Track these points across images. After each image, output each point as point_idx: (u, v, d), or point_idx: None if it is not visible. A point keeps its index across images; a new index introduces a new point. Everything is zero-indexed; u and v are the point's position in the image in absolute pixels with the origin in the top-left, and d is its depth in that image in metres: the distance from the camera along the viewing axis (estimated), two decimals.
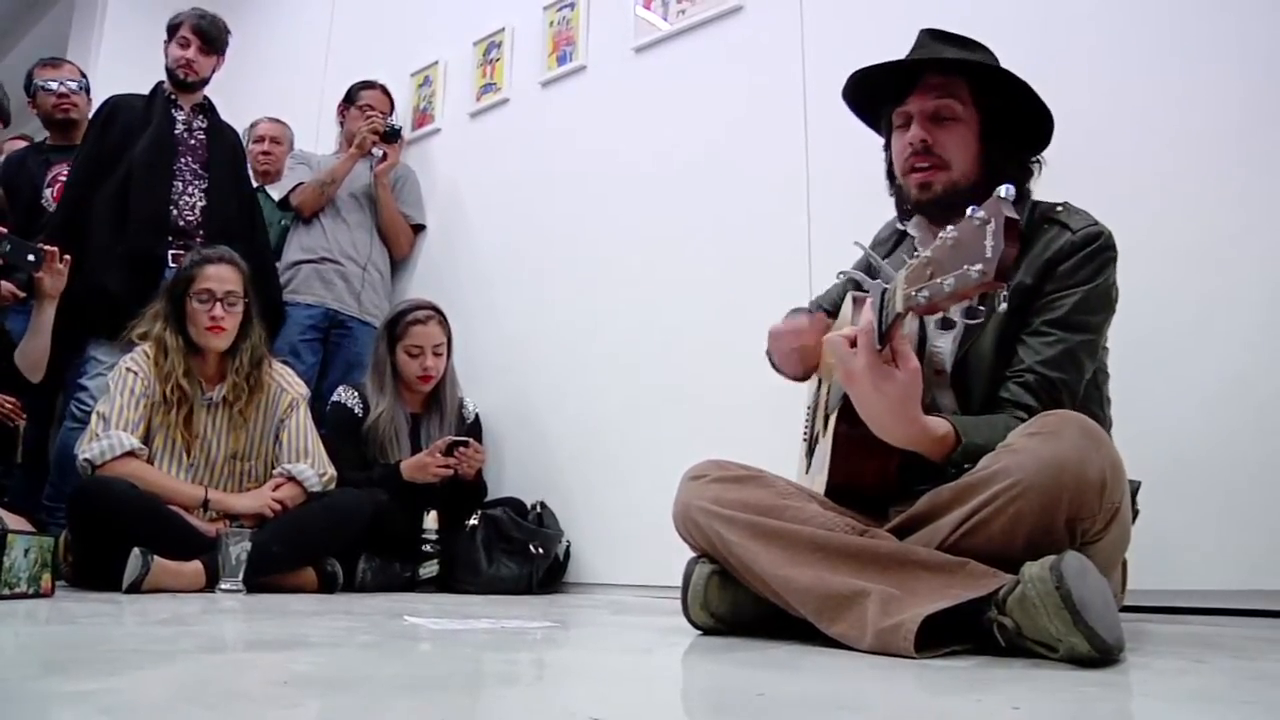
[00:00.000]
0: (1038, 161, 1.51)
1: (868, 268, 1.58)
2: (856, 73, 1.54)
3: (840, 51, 2.45)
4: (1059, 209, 1.44)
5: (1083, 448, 1.13)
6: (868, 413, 1.26)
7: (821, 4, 2.60)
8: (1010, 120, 1.46)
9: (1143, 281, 1.82)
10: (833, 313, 1.74)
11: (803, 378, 1.69)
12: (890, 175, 1.58)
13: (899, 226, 1.61)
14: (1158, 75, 1.99)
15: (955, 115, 1.46)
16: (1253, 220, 1.84)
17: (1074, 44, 2.11)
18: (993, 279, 0.93)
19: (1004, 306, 0.99)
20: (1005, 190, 0.93)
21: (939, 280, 1.00)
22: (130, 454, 2.32)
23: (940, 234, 1.03)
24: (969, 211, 0.97)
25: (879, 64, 1.50)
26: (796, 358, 1.63)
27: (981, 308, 0.99)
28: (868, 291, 1.26)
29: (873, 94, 1.57)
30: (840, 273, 1.48)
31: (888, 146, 1.58)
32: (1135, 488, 1.39)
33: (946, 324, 1.04)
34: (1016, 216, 0.93)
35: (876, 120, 1.62)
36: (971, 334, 1.41)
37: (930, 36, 1.52)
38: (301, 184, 3.39)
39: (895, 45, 1.59)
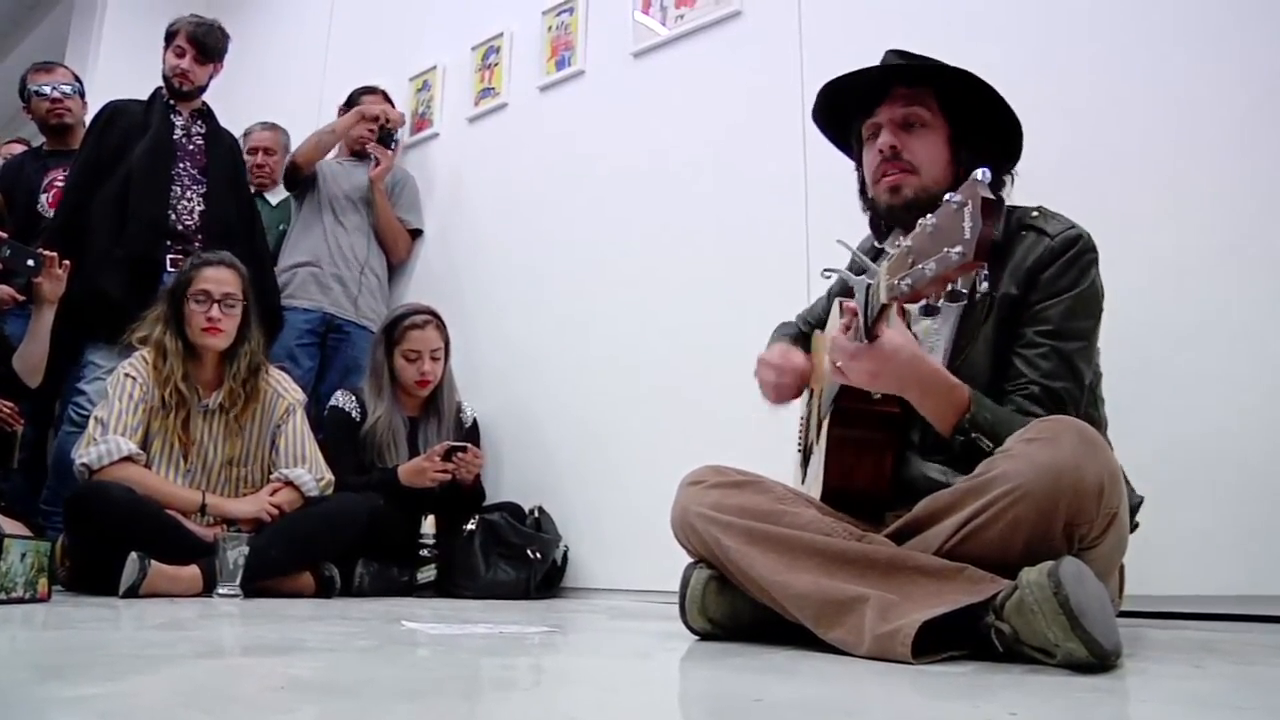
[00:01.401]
0: (1010, 175, 1.51)
1: (858, 270, 1.59)
2: (827, 85, 1.54)
3: (838, 55, 2.44)
4: (1034, 214, 1.44)
5: (1080, 454, 1.13)
6: (883, 383, 1.27)
7: (820, 8, 2.60)
8: (981, 131, 1.47)
9: (1144, 284, 1.84)
10: (820, 326, 1.77)
11: (782, 404, 1.70)
12: (863, 192, 1.58)
13: (874, 246, 1.60)
14: (1161, 75, 1.99)
15: (924, 122, 1.46)
16: (1258, 222, 1.83)
17: (1076, 44, 2.12)
18: (972, 259, 0.93)
19: (985, 286, 0.99)
20: (981, 173, 0.94)
21: (920, 266, 1.01)
22: (128, 459, 2.31)
23: (920, 221, 1.04)
24: (946, 197, 0.98)
25: (848, 74, 1.50)
26: (773, 392, 1.65)
27: (964, 290, 1.00)
28: (846, 289, 1.28)
29: (842, 111, 1.57)
30: (825, 270, 1.48)
31: (859, 165, 1.58)
32: (1138, 503, 1.39)
33: (929, 311, 1.05)
34: (993, 196, 0.93)
35: (845, 139, 1.62)
36: (962, 349, 1.41)
37: (896, 56, 1.52)
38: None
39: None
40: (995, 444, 1.24)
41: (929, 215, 1.02)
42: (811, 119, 1.63)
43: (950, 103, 1.47)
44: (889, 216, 1.51)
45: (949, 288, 1.00)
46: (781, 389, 1.63)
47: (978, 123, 1.46)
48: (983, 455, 1.24)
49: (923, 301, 1.04)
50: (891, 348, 1.23)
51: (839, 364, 1.28)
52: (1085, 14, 2.12)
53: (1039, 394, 1.34)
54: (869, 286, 1.20)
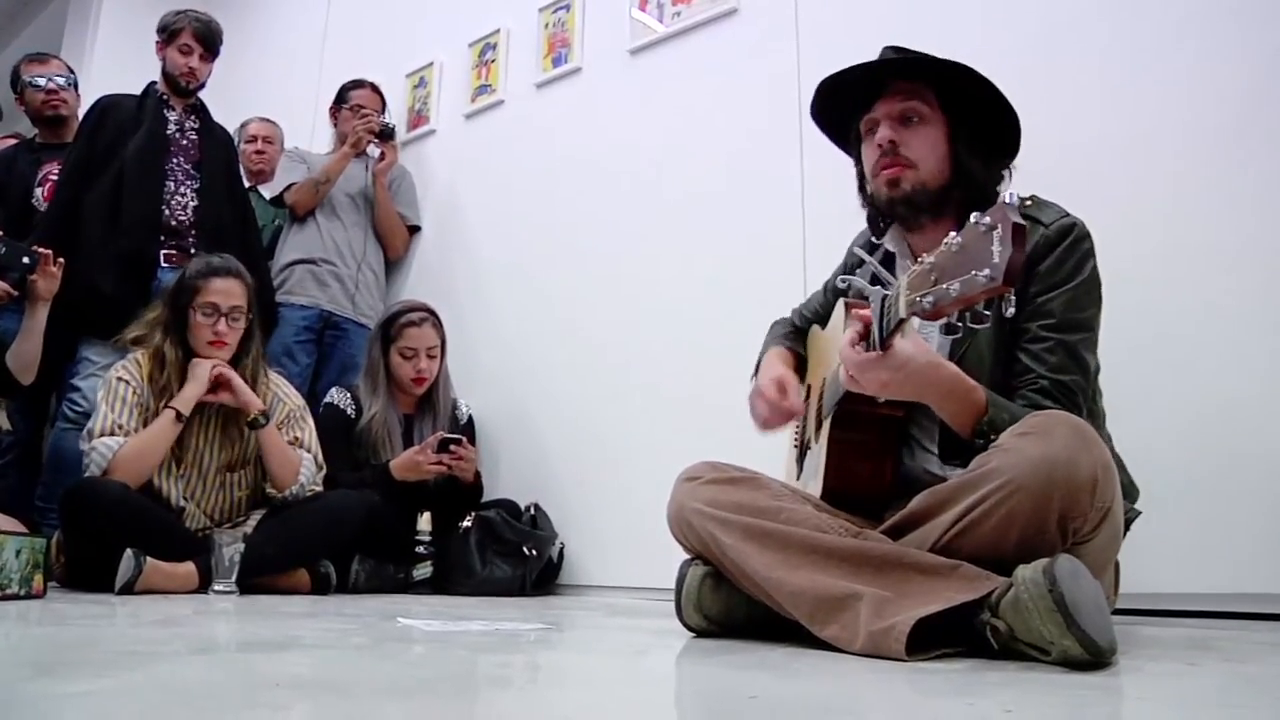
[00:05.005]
0: (1009, 169, 1.51)
1: (853, 271, 1.59)
2: (824, 82, 1.53)
3: (835, 52, 2.44)
4: (1028, 203, 1.45)
5: (1074, 447, 1.14)
6: (894, 391, 1.26)
7: (817, 5, 2.60)
8: (979, 125, 1.47)
9: (1143, 284, 1.84)
10: (818, 321, 1.77)
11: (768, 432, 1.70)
12: (862, 188, 1.57)
13: (872, 241, 1.60)
14: (1160, 69, 1.99)
15: (922, 116, 1.46)
16: (1256, 216, 1.83)
17: (1075, 38, 2.11)
18: (1001, 284, 0.93)
19: (1011, 311, 0.99)
20: (1010, 196, 0.94)
21: (945, 285, 1.00)
22: (119, 452, 2.26)
23: (945, 239, 1.03)
24: (973, 218, 0.98)
25: (843, 70, 1.50)
26: (762, 425, 1.65)
27: (987, 312, 1.00)
28: (861, 297, 1.27)
29: (840, 108, 1.57)
30: (841, 279, 1.48)
31: (858, 161, 1.58)
32: (1133, 518, 1.39)
33: (950, 329, 1.05)
34: (1023, 222, 0.93)
35: (843, 135, 1.61)
36: (962, 342, 1.41)
37: (893, 52, 1.52)
38: (296, 183, 3.39)
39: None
40: None
41: (954, 234, 1.02)
42: (810, 116, 1.63)
43: (949, 97, 1.47)
44: (888, 209, 1.50)
45: (973, 309, 1.00)
46: (770, 424, 1.63)
47: (976, 117, 1.46)
48: None
49: (943, 319, 1.04)
50: (904, 356, 1.22)
51: (850, 375, 1.27)
52: (1084, 7, 2.12)
53: (1049, 388, 1.34)
54: (885, 298, 1.19)
